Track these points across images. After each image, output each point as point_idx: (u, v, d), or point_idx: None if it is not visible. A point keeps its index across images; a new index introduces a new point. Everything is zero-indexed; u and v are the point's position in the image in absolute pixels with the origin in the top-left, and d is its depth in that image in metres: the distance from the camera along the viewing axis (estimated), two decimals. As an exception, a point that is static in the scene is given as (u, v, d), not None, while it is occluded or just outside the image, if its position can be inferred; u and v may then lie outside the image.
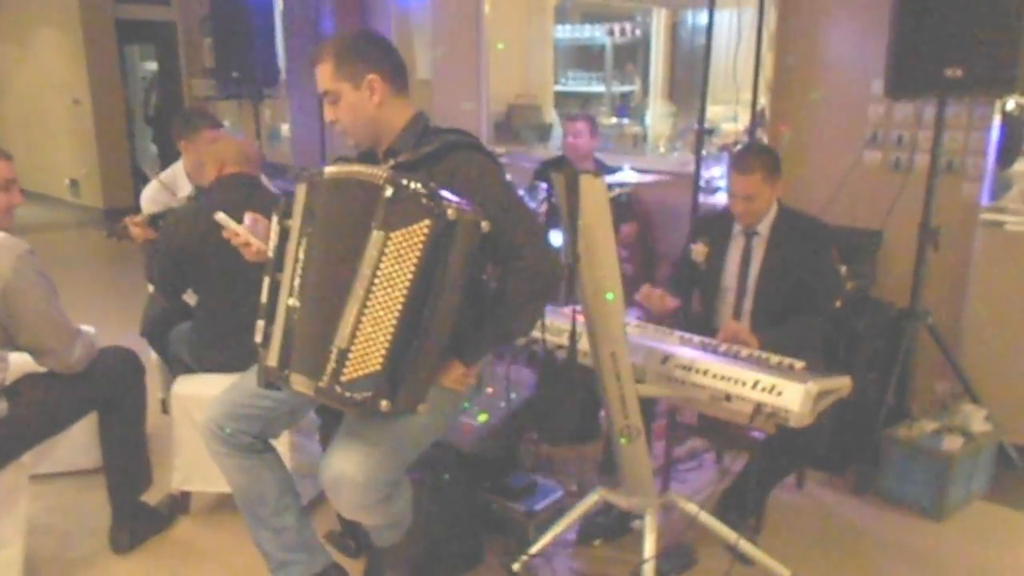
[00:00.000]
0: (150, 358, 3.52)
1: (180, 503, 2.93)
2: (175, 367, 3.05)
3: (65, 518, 2.92)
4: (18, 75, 9.81)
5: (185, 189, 3.57)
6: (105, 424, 2.64)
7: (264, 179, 3.11)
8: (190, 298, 2.96)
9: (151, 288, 3.49)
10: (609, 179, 3.27)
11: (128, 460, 2.70)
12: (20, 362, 2.43)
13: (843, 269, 3.18)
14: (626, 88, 6.53)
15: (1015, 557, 2.78)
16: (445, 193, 1.73)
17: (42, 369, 2.44)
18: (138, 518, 2.75)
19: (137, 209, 3.42)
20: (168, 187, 3.59)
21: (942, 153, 3.20)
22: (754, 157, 2.77)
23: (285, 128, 7.37)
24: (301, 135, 7.05)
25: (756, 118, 3.93)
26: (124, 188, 8.41)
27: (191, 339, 2.91)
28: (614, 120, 6.02)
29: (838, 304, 3.02)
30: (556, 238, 2.74)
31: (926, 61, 2.96)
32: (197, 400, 2.66)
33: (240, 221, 2.05)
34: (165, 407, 3.43)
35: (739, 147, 3.92)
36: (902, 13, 3.01)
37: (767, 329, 2.62)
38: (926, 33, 2.95)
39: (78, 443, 3.01)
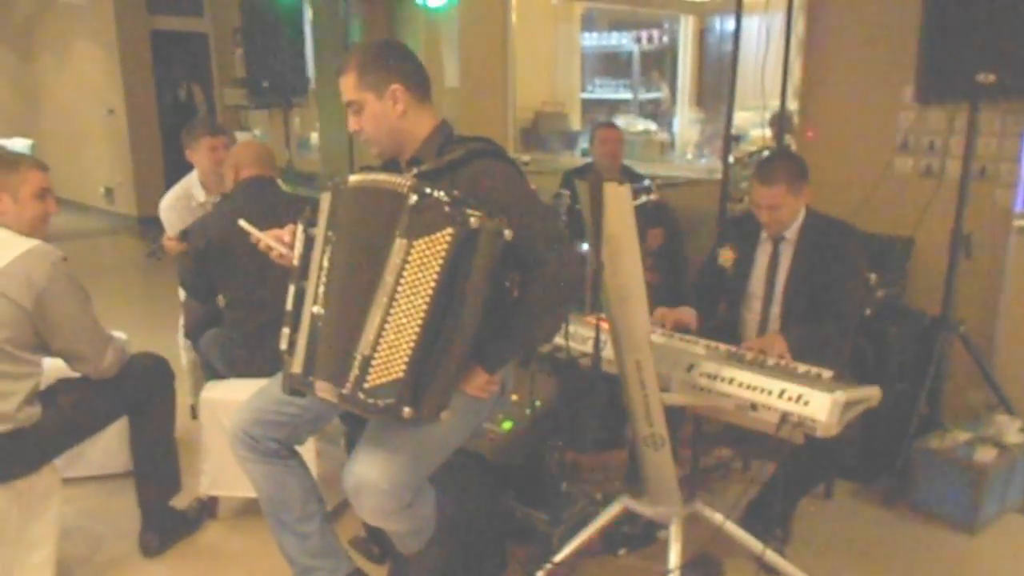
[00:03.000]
0: (180, 364, 3.59)
1: (208, 508, 2.96)
2: (208, 371, 3.11)
3: (96, 521, 2.97)
4: (56, 86, 10.03)
5: (199, 196, 3.65)
6: (135, 429, 2.69)
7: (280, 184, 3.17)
8: (220, 302, 3.02)
9: (182, 296, 3.56)
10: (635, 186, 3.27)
11: (157, 465, 2.74)
12: (53, 367, 2.48)
13: (873, 277, 3.14)
14: (653, 95, 6.52)
15: (1051, 572, 2.72)
16: (468, 201, 1.74)
17: (75, 374, 2.49)
18: (167, 522, 2.79)
19: None
20: (183, 196, 3.67)
21: (974, 159, 3.15)
22: (777, 167, 2.72)
23: (314, 137, 7.46)
24: (329, 144, 7.13)
25: (782, 124, 3.90)
26: (157, 196, 8.50)
27: (220, 341, 2.96)
28: (641, 127, 6.00)
29: (868, 312, 2.99)
30: (582, 246, 2.74)
31: (957, 66, 2.91)
32: (225, 405, 2.69)
33: (260, 222, 2.08)
34: (195, 412, 3.48)
35: (764, 154, 3.89)
36: (932, 17, 2.97)
37: (792, 330, 2.59)
38: (957, 38, 2.90)
39: (109, 447, 3.07)
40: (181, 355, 3.66)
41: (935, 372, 3.15)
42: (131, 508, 2.77)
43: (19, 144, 8.76)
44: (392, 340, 1.71)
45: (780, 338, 2.52)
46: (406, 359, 1.71)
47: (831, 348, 2.56)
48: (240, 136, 3.80)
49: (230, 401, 2.50)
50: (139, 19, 8.61)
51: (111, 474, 3.17)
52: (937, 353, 3.14)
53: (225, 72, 8.84)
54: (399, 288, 1.71)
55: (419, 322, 1.70)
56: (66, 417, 2.43)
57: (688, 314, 2.74)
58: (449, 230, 1.70)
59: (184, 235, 3.11)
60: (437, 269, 1.70)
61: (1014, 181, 3.33)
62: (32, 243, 2.32)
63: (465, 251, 1.71)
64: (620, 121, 5.87)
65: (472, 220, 1.70)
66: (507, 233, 1.75)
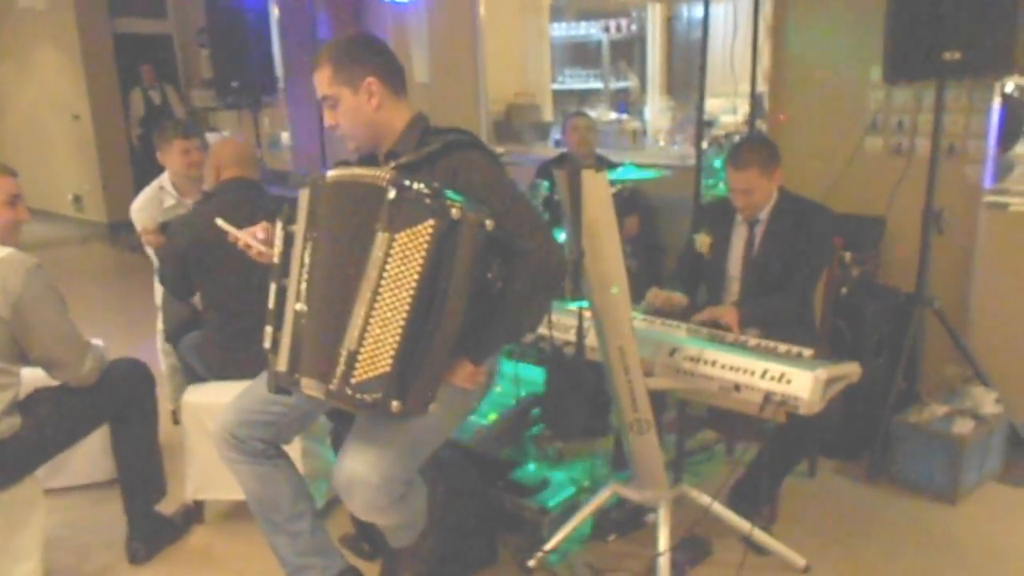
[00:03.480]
0: (160, 369, 3.55)
1: (195, 512, 2.94)
2: (189, 375, 3.08)
3: (81, 531, 2.94)
4: (18, 93, 9.85)
5: (170, 199, 3.62)
6: (117, 436, 2.66)
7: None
8: (198, 303, 2.99)
9: (159, 301, 3.53)
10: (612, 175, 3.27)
11: (142, 471, 2.72)
12: (32, 377, 2.44)
13: (848, 255, 3.18)
14: (623, 84, 6.54)
15: (1031, 538, 2.78)
16: (448, 193, 1.74)
17: (54, 383, 2.46)
18: (154, 528, 2.76)
19: None
20: (155, 197, 3.64)
21: (943, 137, 3.20)
22: (749, 151, 2.76)
23: (285, 136, 7.39)
24: (301, 142, 7.07)
25: (753, 108, 3.93)
26: (127, 202, 8.38)
27: (200, 344, 2.93)
28: (613, 116, 6.02)
29: (844, 290, 3.03)
30: (560, 235, 2.75)
31: (924, 45, 2.96)
32: (208, 408, 2.67)
33: (240, 225, 2.07)
34: (176, 418, 3.45)
35: (734, 139, 3.92)
36: (898, -3, 3.01)
37: (747, 305, 2.63)
38: (923, 17, 2.94)
39: (91, 456, 3.04)
40: (160, 360, 3.63)
41: (911, 347, 3.20)
42: (117, 516, 2.75)
43: (-18, 153, 8.61)
44: (377, 334, 1.71)
45: (732, 309, 2.56)
46: (392, 353, 1.71)
47: (787, 318, 2.60)
48: (210, 137, 3.75)
49: (213, 404, 2.48)
50: (101, 22, 8.47)
51: (95, 483, 3.14)
52: (913, 328, 3.19)
53: (191, 74, 8.73)
54: (382, 282, 1.71)
55: (404, 315, 1.70)
56: (46, 427, 2.40)
57: (680, 298, 2.74)
58: (431, 222, 1.70)
59: (164, 227, 3.09)
60: (420, 261, 1.70)
61: (982, 157, 3.38)
62: (6, 251, 2.28)
63: (447, 243, 1.71)
64: (591, 113, 5.89)
65: (453, 211, 1.70)
66: (489, 223, 1.75)
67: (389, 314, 1.71)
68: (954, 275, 3.46)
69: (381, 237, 1.71)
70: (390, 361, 1.71)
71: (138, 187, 3.85)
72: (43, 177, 9.38)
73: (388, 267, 1.71)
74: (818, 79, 3.82)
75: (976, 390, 3.11)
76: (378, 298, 1.71)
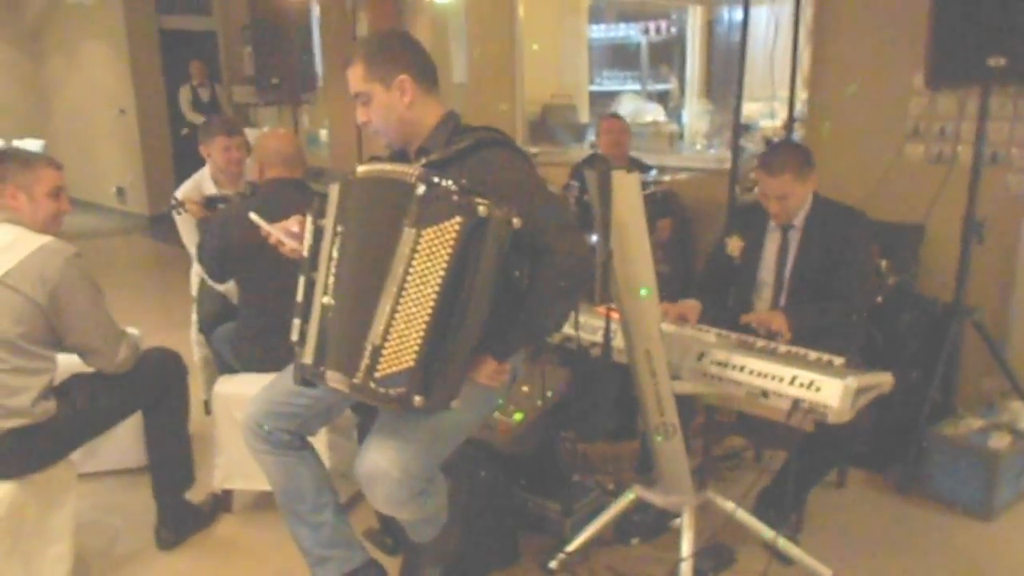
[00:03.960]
0: (192, 359, 3.61)
1: (222, 501, 2.98)
2: (221, 366, 3.13)
3: (112, 515, 3.00)
4: (67, 87, 10.09)
5: (210, 191, 3.68)
6: (150, 423, 2.71)
7: None
8: (231, 293, 3.03)
9: (194, 292, 3.59)
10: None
11: (172, 459, 2.76)
12: (67, 363, 2.50)
13: (884, 264, 3.13)
14: (661, 87, 6.50)
15: (1067, 558, 2.71)
16: (477, 190, 1.74)
17: (89, 369, 2.51)
18: (182, 516, 2.81)
19: None
20: (195, 189, 3.71)
21: (986, 144, 3.12)
22: (783, 156, 2.72)
23: (323, 133, 7.48)
24: (339, 139, 7.15)
25: (791, 114, 3.88)
26: (169, 195, 8.57)
27: (233, 337, 2.97)
28: (649, 118, 5.98)
29: (880, 299, 2.98)
30: (591, 236, 2.74)
31: (968, 50, 2.89)
32: (238, 399, 2.71)
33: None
34: (208, 408, 3.49)
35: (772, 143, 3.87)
36: (942, 2, 2.95)
37: (795, 308, 2.59)
38: (967, 22, 2.88)
39: (124, 442, 3.09)
40: (193, 350, 3.68)
41: (948, 359, 3.13)
42: (146, 502, 2.80)
43: (31, 145, 8.82)
44: (402, 329, 1.72)
45: (781, 314, 2.52)
46: (416, 348, 1.72)
47: (836, 331, 2.56)
48: (250, 134, 3.80)
49: (243, 395, 2.51)
50: (147, 18, 8.65)
51: (126, 469, 3.20)
52: (950, 340, 3.12)
53: (234, 70, 8.86)
54: (408, 277, 1.71)
55: (429, 311, 1.71)
56: (81, 412, 2.45)
57: (690, 308, 2.72)
58: (458, 219, 1.70)
59: (210, 202, 3.13)
60: (446, 258, 1.70)
61: (1026, 166, 3.31)
62: (45, 239, 2.34)
63: (474, 240, 1.71)
64: (627, 107, 5.86)
65: (481, 209, 1.70)
66: (516, 221, 1.75)
67: (414, 309, 1.71)
68: (994, 286, 3.39)
69: (408, 233, 1.72)
70: (414, 356, 1.72)
71: (179, 182, 3.92)
72: (88, 169, 9.59)
73: (414, 263, 1.71)
74: (859, 84, 3.76)
75: (1014, 404, 3.04)
76: (404, 293, 1.72)
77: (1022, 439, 2.91)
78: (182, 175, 4.31)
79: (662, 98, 6.51)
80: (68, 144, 9.91)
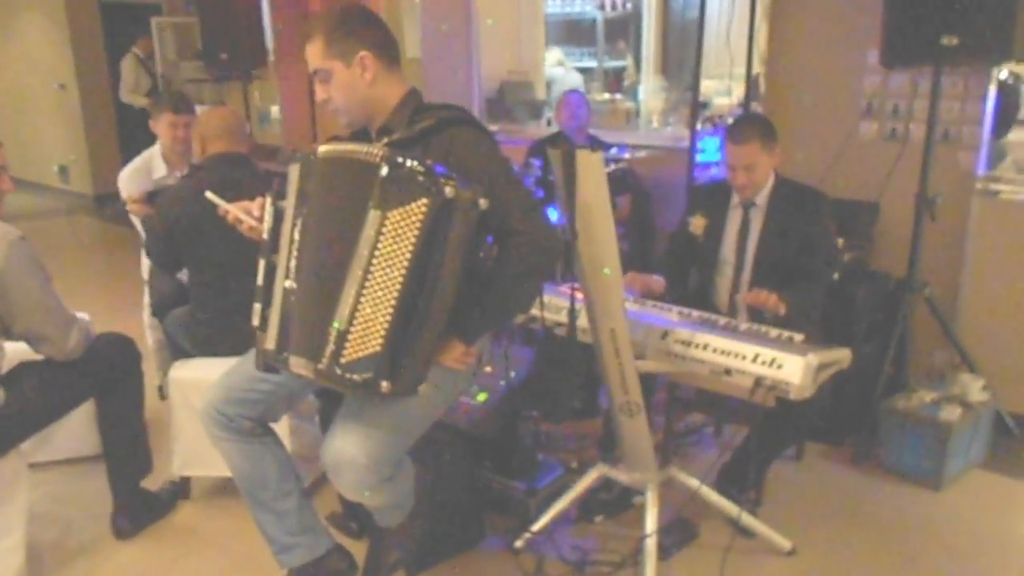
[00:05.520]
0: (146, 344, 3.52)
1: (181, 489, 2.92)
2: (175, 350, 3.05)
3: (66, 505, 2.92)
4: (2, 61, 9.69)
5: (160, 170, 3.60)
6: (103, 410, 2.64)
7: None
8: (184, 278, 2.96)
9: (145, 275, 3.49)
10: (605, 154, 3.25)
11: (127, 446, 2.70)
12: (16, 350, 2.41)
13: (840, 241, 3.17)
14: (618, 63, 6.48)
15: (1013, 525, 2.80)
16: (442, 170, 1.71)
17: (39, 357, 2.43)
18: (139, 504, 2.75)
19: None
20: (144, 168, 3.62)
21: (938, 123, 3.18)
22: (749, 126, 2.75)
23: (275, 110, 7.31)
24: (291, 116, 6.99)
25: (749, 90, 3.91)
26: (114, 173, 8.30)
27: (186, 321, 2.90)
28: (606, 96, 5.97)
29: (836, 276, 3.02)
30: (553, 215, 2.73)
31: (921, 30, 2.94)
32: (195, 384, 2.65)
33: (228, 201, 2.02)
34: (162, 393, 3.42)
35: (728, 121, 3.90)
36: (897, -19, 2.99)
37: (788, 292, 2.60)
38: (921, 2, 2.92)
39: (77, 430, 3.01)
40: (146, 334, 3.60)
41: (901, 333, 3.20)
42: (102, 491, 2.72)
43: (-34, 122, 8.48)
44: (368, 314, 1.69)
45: (775, 296, 2.50)
46: (383, 332, 1.69)
47: (795, 308, 2.59)
48: (199, 110, 3.69)
49: (200, 380, 2.46)
50: (87, -12, 8.33)
51: (80, 457, 3.12)
52: (902, 315, 3.20)
53: (182, 46, 8.58)
54: (374, 260, 1.68)
55: (395, 294, 1.68)
56: (31, 401, 2.37)
57: (657, 282, 2.74)
58: (424, 200, 1.67)
59: (150, 197, 3.04)
60: (412, 240, 1.67)
61: (976, 144, 3.38)
62: (-12, 223, 2.24)
63: (440, 221, 1.68)
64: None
65: (447, 190, 1.67)
66: (482, 202, 1.73)
67: (380, 293, 1.68)
68: (945, 262, 3.47)
69: (373, 215, 1.68)
70: (380, 341, 1.69)
71: (125, 159, 3.80)
72: (28, 147, 9.26)
73: (380, 245, 1.68)
74: (814, 62, 3.79)
75: (964, 377, 3.12)
76: (369, 277, 1.68)
77: (971, 411, 3.00)
78: (128, 153, 4.19)
79: (618, 75, 6.50)
80: (6, 121, 9.53)
